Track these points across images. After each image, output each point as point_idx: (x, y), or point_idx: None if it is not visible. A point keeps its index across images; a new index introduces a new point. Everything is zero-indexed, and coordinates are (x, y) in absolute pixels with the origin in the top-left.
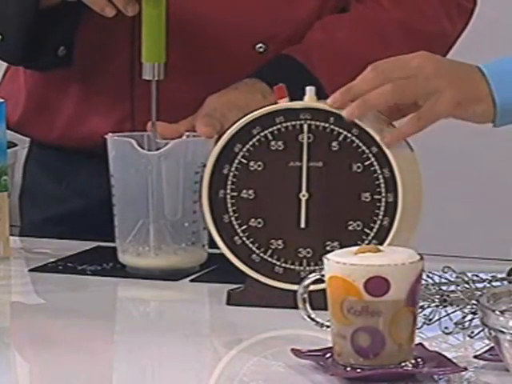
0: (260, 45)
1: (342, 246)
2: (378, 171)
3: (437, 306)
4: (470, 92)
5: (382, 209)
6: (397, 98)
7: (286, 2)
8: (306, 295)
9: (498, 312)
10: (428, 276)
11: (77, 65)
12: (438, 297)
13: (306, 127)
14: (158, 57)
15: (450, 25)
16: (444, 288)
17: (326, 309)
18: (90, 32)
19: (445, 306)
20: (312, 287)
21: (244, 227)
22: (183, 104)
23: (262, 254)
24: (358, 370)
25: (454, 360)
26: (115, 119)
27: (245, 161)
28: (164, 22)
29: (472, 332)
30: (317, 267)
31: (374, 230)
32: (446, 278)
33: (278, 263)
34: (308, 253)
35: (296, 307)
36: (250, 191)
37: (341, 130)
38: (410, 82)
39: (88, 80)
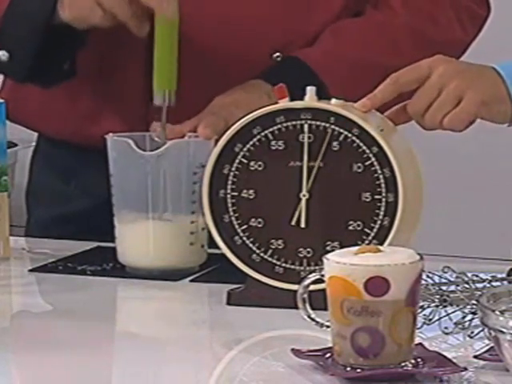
0: (277, 54)
1: (342, 246)
2: (379, 171)
3: (437, 306)
4: (493, 91)
5: (383, 209)
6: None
7: (303, 12)
8: (305, 295)
9: (497, 312)
10: (428, 276)
11: (92, 66)
12: (437, 297)
13: (306, 127)
14: (169, 84)
15: (462, 32)
16: (444, 288)
17: (325, 309)
18: (105, 36)
19: (445, 306)
20: (312, 287)
21: (244, 227)
22: (198, 110)
23: (262, 254)
24: (358, 370)
25: (454, 360)
26: (129, 120)
27: (245, 161)
28: (176, 49)
29: (472, 332)
30: (317, 267)
31: (375, 230)
32: (446, 278)
33: (279, 263)
34: (308, 253)
35: (296, 307)
36: (251, 191)
37: (341, 130)
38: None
39: (103, 81)
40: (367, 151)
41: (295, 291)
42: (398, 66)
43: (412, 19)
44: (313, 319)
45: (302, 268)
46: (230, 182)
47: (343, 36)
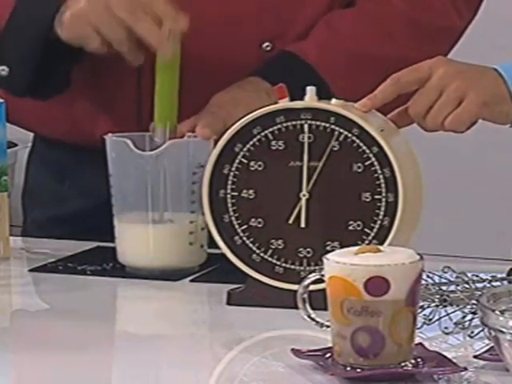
0: (267, 44)
1: (342, 246)
2: (379, 171)
3: (437, 306)
4: (494, 92)
5: (383, 209)
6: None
7: (293, 1)
8: (305, 295)
9: (497, 312)
10: (428, 276)
11: (85, 67)
12: (437, 297)
13: (306, 127)
14: (170, 119)
15: (458, 17)
16: (444, 288)
17: (325, 309)
18: None
19: (445, 306)
20: (312, 287)
21: (244, 227)
22: (189, 104)
23: (262, 254)
24: (358, 370)
25: (454, 360)
26: (123, 120)
27: (245, 160)
28: (177, 87)
29: (472, 332)
30: (317, 267)
31: (375, 230)
32: (446, 278)
33: (279, 263)
34: (308, 253)
35: (296, 307)
36: (251, 191)
37: (341, 130)
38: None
39: (96, 81)
40: (367, 151)
41: (295, 291)
42: (394, 55)
43: (406, 7)
44: (313, 319)
45: (302, 268)
46: (230, 182)
47: (337, 28)
